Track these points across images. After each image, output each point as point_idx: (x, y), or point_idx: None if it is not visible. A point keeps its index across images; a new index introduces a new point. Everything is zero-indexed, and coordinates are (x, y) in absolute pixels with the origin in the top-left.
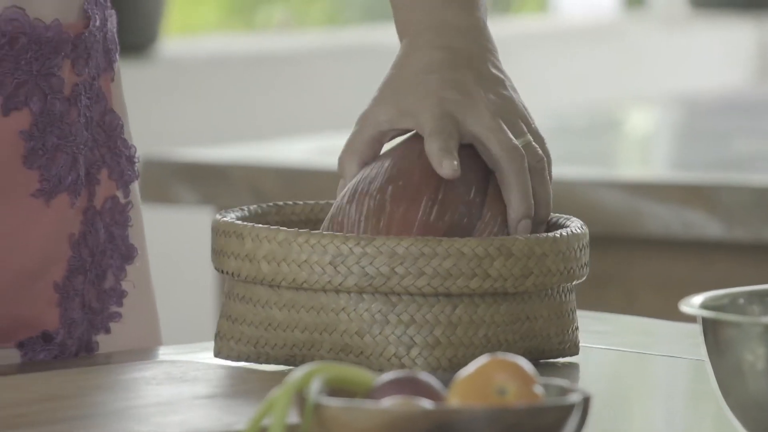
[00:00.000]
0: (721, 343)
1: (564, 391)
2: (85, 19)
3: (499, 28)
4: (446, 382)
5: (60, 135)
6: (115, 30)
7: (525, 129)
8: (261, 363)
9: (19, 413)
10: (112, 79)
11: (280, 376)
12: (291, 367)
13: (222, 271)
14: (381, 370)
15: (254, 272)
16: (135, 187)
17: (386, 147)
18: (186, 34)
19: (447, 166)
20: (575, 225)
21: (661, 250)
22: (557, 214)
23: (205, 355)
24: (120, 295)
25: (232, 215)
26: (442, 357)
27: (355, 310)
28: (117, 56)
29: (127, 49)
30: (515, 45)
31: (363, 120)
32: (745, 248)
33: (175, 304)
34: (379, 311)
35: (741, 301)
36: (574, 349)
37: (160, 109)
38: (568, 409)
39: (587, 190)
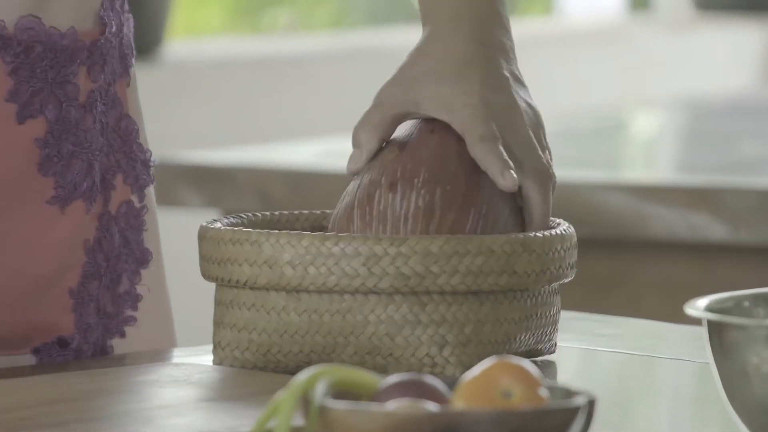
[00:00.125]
0: (726, 345)
1: (569, 394)
2: (101, 25)
3: None
4: (451, 384)
5: (75, 142)
6: (131, 35)
7: (545, 143)
8: (268, 371)
9: (25, 416)
10: (128, 84)
11: (284, 379)
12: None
13: (220, 280)
14: (410, 371)
15: (275, 278)
16: (150, 191)
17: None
18: (191, 37)
19: (509, 179)
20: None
21: (667, 253)
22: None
23: (208, 358)
24: (135, 299)
25: (218, 225)
26: (473, 355)
27: (385, 311)
28: (133, 61)
29: None
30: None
31: (388, 96)
32: (751, 251)
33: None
34: (410, 311)
35: (746, 303)
36: (553, 348)
37: (165, 111)
38: (574, 411)
39: (592, 193)
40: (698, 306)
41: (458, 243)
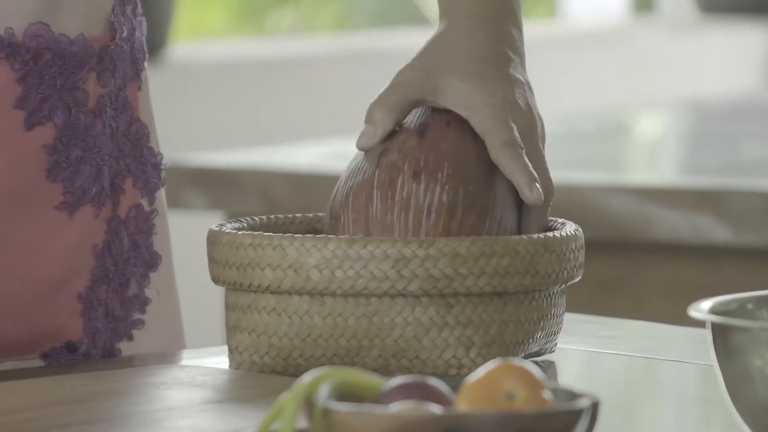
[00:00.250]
0: (729, 348)
1: (573, 396)
2: (111, 31)
3: None
4: (455, 386)
5: (84, 147)
6: (144, 38)
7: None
8: (288, 375)
9: (28, 418)
10: (140, 88)
11: (288, 381)
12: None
13: (238, 285)
14: (435, 373)
15: (301, 282)
16: (161, 194)
17: None
18: (195, 39)
19: (536, 193)
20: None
21: (670, 255)
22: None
23: (213, 360)
24: (143, 303)
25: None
26: (497, 355)
27: (412, 313)
28: (145, 64)
29: None
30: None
31: (408, 79)
32: (754, 253)
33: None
34: (437, 313)
35: (750, 306)
36: (554, 348)
37: (169, 113)
38: (577, 414)
39: (596, 195)
40: (702, 308)
41: (485, 244)
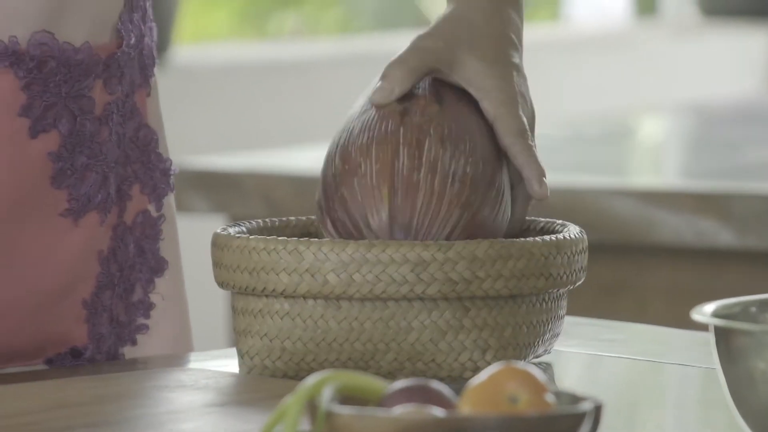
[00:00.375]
0: (733, 351)
1: (575, 399)
2: (118, 38)
3: None
4: (457, 389)
5: (90, 154)
6: (153, 44)
7: None
8: (299, 380)
9: (31, 421)
10: (148, 94)
11: (291, 384)
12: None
13: (249, 289)
14: (450, 376)
15: (317, 287)
16: (170, 200)
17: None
18: (198, 42)
19: (545, 189)
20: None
21: (673, 259)
22: (547, 219)
23: (217, 363)
24: (147, 308)
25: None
26: (512, 358)
27: (429, 317)
28: (154, 70)
29: None
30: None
31: (430, 45)
32: (757, 257)
33: None
34: (453, 317)
35: (753, 309)
36: (550, 350)
37: (172, 116)
38: (580, 417)
39: (599, 199)
40: (705, 311)
41: (502, 247)
